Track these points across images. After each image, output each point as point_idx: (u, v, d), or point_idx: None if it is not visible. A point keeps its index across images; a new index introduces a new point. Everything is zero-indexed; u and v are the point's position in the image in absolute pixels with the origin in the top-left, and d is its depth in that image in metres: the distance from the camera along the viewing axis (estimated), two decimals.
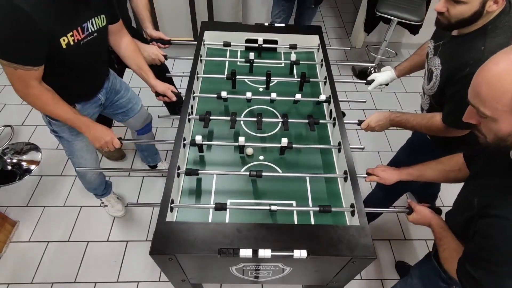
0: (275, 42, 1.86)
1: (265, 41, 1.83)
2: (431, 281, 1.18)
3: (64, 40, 1.13)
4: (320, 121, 1.52)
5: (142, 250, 1.95)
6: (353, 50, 3.56)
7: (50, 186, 2.21)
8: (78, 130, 1.45)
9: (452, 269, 0.93)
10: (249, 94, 1.47)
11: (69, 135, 1.46)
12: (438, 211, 1.19)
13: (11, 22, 0.99)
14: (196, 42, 1.76)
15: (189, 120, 1.41)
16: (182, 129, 1.31)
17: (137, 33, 1.82)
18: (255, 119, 1.41)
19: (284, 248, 0.99)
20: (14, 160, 2.31)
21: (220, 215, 1.19)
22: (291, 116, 1.55)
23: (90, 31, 1.23)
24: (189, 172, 1.18)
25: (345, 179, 1.23)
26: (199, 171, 1.22)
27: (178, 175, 1.20)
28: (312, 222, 1.20)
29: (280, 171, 1.34)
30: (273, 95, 1.47)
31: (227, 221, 1.18)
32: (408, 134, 2.73)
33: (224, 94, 1.48)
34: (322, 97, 1.50)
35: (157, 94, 1.57)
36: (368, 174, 1.31)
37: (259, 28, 1.86)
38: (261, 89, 1.68)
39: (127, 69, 1.92)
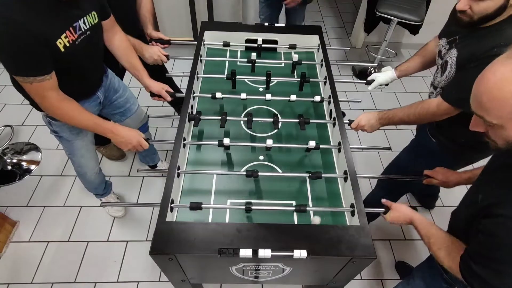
0: (275, 42, 1.86)
1: (265, 41, 1.83)
2: (434, 282, 1.17)
3: (60, 43, 1.13)
4: (320, 121, 1.53)
5: (142, 250, 1.95)
6: (353, 50, 3.56)
7: (50, 186, 2.21)
8: (78, 130, 1.45)
9: (453, 267, 0.92)
10: (244, 95, 1.47)
11: (69, 135, 1.46)
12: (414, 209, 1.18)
13: (11, 36, 0.99)
14: (196, 42, 1.76)
15: (188, 120, 1.41)
16: (182, 129, 1.31)
17: (142, 34, 1.83)
18: (245, 118, 1.42)
19: (284, 248, 0.99)
20: (14, 160, 2.31)
21: (220, 215, 1.19)
22: (290, 116, 1.56)
23: (82, 30, 1.22)
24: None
25: (345, 179, 1.24)
26: (197, 172, 1.22)
27: (178, 175, 1.20)
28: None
29: (280, 171, 1.34)
30: (268, 96, 1.47)
31: (227, 221, 1.18)
32: (408, 134, 2.74)
33: (218, 95, 1.47)
34: (317, 98, 1.50)
35: (152, 94, 1.56)
36: (427, 176, 1.31)
37: (259, 28, 1.86)
38: (261, 89, 1.69)
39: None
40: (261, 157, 1.39)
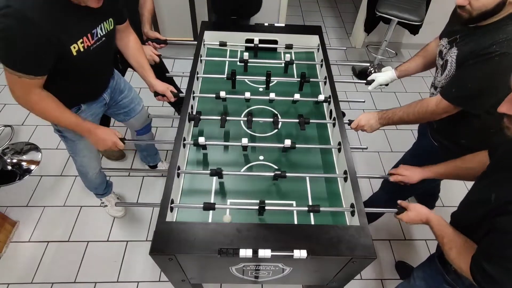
0: (275, 42, 1.86)
1: (265, 41, 1.83)
2: (435, 283, 1.17)
3: (74, 48, 1.14)
4: (320, 121, 1.53)
5: (142, 250, 1.95)
6: (353, 50, 3.56)
7: (50, 186, 2.21)
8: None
9: (463, 267, 0.91)
10: (247, 94, 1.47)
11: (73, 135, 1.46)
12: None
13: (21, 33, 0.99)
14: (196, 42, 1.76)
15: (188, 120, 1.41)
16: (182, 129, 1.31)
17: (141, 36, 1.83)
18: (245, 118, 1.42)
19: (284, 248, 0.99)
20: (14, 160, 2.31)
21: (220, 215, 1.19)
22: (290, 116, 1.56)
23: (99, 36, 1.24)
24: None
25: (345, 179, 1.23)
26: (197, 172, 1.22)
27: (178, 175, 1.20)
28: (312, 222, 1.20)
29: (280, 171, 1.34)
30: (272, 95, 1.48)
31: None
32: (408, 134, 2.73)
33: (223, 94, 1.48)
34: (321, 97, 1.51)
35: (156, 94, 1.57)
36: (390, 174, 1.32)
37: (259, 28, 1.86)
38: (261, 89, 1.69)
39: (128, 69, 1.93)
40: (261, 157, 1.39)
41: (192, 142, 1.31)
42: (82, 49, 1.17)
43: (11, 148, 2.38)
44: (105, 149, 1.40)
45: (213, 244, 0.98)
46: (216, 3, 2.20)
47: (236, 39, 1.82)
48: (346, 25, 3.89)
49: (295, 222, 1.19)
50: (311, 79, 1.62)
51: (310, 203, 1.25)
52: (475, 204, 0.96)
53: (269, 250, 0.97)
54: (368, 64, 3.26)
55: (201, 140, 1.28)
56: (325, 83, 1.63)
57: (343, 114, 1.44)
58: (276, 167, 1.36)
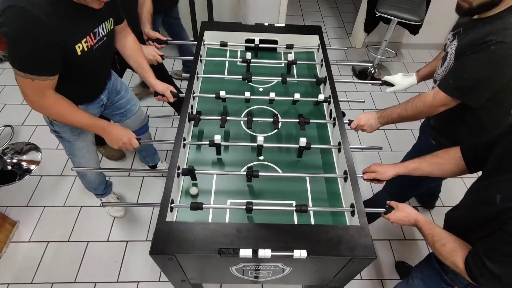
0: (275, 42, 1.86)
1: (265, 41, 1.83)
2: (433, 283, 1.17)
3: (79, 47, 1.14)
4: (320, 121, 1.53)
5: (142, 250, 1.95)
6: (353, 50, 3.56)
7: (50, 186, 2.21)
8: (80, 130, 1.45)
9: (458, 262, 0.91)
10: (247, 94, 1.48)
11: (70, 136, 1.46)
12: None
13: (28, 33, 0.99)
14: (196, 42, 1.76)
15: (188, 120, 1.41)
16: (182, 129, 1.31)
17: (141, 36, 1.83)
18: (245, 118, 1.42)
19: (284, 248, 0.99)
20: (14, 160, 2.31)
21: (220, 215, 1.19)
22: (290, 116, 1.56)
23: (101, 35, 1.24)
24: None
25: (345, 179, 1.23)
26: (197, 172, 1.22)
27: (178, 175, 1.20)
28: (312, 222, 1.20)
29: (280, 171, 1.34)
30: (272, 95, 1.48)
31: (227, 221, 1.18)
32: (408, 134, 2.74)
33: (223, 94, 1.48)
34: (321, 96, 1.51)
35: (156, 94, 1.57)
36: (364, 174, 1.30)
37: (259, 28, 1.85)
38: (261, 89, 1.69)
39: (127, 70, 1.93)
40: (261, 157, 1.39)
41: (201, 142, 1.32)
42: (86, 49, 1.17)
43: (11, 148, 2.38)
44: (120, 147, 1.39)
45: (213, 244, 0.98)
46: None
47: (236, 39, 1.82)
48: (346, 25, 3.89)
49: (295, 222, 1.19)
50: (310, 79, 1.62)
51: (310, 203, 1.25)
52: (478, 205, 0.96)
53: (269, 250, 0.97)
54: (368, 64, 3.26)
55: (217, 138, 1.28)
56: (324, 83, 1.63)
57: (343, 114, 1.44)
58: (276, 167, 1.36)
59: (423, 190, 1.76)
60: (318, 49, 1.83)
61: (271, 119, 1.43)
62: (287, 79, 1.66)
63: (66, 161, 2.33)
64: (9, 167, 2.28)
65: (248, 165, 1.35)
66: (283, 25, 1.89)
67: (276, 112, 1.57)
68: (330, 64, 1.67)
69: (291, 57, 1.72)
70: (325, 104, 1.62)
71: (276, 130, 1.50)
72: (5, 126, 2.45)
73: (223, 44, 1.78)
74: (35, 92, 1.12)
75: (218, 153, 1.36)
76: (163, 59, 1.77)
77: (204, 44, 1.79)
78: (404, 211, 1.12)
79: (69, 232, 2.00)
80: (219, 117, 1.40)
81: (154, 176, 2.31)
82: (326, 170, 1.37)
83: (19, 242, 1.95)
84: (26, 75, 1.06)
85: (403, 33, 3.38)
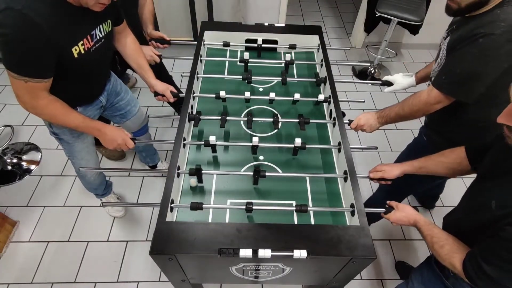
0: (275, 42, 1.86)
1: (265, 41, 1.83)
2: (434, 286, 1.16)
3: (76, 50, 1.14)
4: (320, 121, 1.53)
5: (142, 250, 1.95)
6: (353, 50, 3.56)
7: (50, 186, 2.21)
8: (79, 132, 1.45)
9: (456, 264, 0.92)
10: (247, 94, 1.47)
11: (69, 137, 1.46)
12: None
13: (24, 35, 0.99)
14: (196, 42, 1.76)
15: (188, 120, 1.41)
16: (182, 129, 1.31)
17: (141, 35, 1.83)
18: (245, 118, 1.42)
19: (284, 248, 0.99)
20: (14, 160, 2.31)
21: (220, 215, 1.19)
22: (291, 116, 1.56)
23: (98, 37, 1.24)
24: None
25: (345, 179, 1.23)
26: (202, 171, 1.22)
27: (178, 175, 1.20)
28: (312, 222, 1.20)
29: (280, 171, 1.34)
30: (272, 95, 1.48)
31: (227, 221, 1.18)
32: (408, 134, 2.74)
33: (223, 94, 1.48)
34: (321, 96, 1.51)
35: (156, 94, 1.57)
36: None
37: (259, 28, 1.85)
38: (261, 89, 1.69)
39: (127, 70, 1.93)
40: (261, 157, 1.39)
41: (203, 142, 1.31)
42: (83, 51, 1.17)
43: (11, 148, 2.38)
44: (115, 148, 1.40)
45: (213, 244, 0.98)
46: None
47: (236, 39, 1.82)
48: (346, 25, 3.89)
49: (295, 222, 1.19)
50: (309, 79, 1.62)
51: (310, 203, 1.25)
52: (474, 210, 0.96)
53: (269, 250, 0.97)
54: (368, 64, 3.26)
55: (212, 138, 1.28)
56: (324, 83, 1.63)
57: (343, 114, 1.44)
58: (276, 167, 1.36)
59: (421, 190, 1.76)
60: (318, 49, 1.83)
61: (271, 119, 1.43)
62: (287, 79, 1.66)
63: (66, 161, 2.33)
64: (9, 167, 2.28)
65: (249, 165, 1.35)
66: (283, 25, 1.89)
67: (276, 112, 1.57)
68: (330, 64, 1.67)
69: (288, 56, 1.72)
70: (325, 104, 1.62)
71: (276, 130, 1.50)
72: (5, 126, 2.45)
73: (226, 44, 1.78)
74: (27, 93, 1.11)
75: (214, 151, 1.36)
76: (160, 59, 1.77)
77: (204, 44, 1.79)
78: (404, 211, 1.13)
79: (69, 232, 2.00)
80: (219, 117, 1.40)
81: (154, 176, 2.31)
82: (326, 170, 1.37)
83: (19, 242, 1.95)
84: (19, 77, 1.05)
85: (403, 33, 3.38)
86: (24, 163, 2.32)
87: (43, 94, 1.14)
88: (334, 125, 1.43)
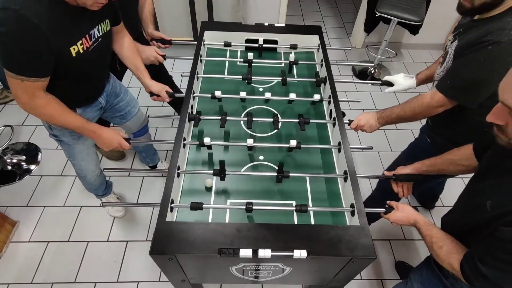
0: (275, 42, 1.86)
1: (265, 41, 1.83)
2: (433, 286, 1.17)
3: (74, 49, 1.14)
4: (320, 121, 1.52)
5: (142, 250, 1.95)
6: (353, 50, 3.56)
7: (50, 186, 2.21)
8: (79, 134, 1.45)
9: (454, 264, 0.92)
10: (243, 94, 1.48)
11: (69, 139, 1.46)
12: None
13: (20, 34, 0.99)
14: (196, 42, 1.76)
15: (188, 120, 1.41)
16: (182, 129, 1.31)
17: (143, 37, 1.83)
18: (245, 118, 1.42)
19: (284, 248, 0.99)
20: (14, 160, 2.31)
21: (220, 215, 1.19)
22: (291, 116, 1.56)
23: (96, 37, 1.24)
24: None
25: (345, 179, 1.23)
26: (196, 171, 1.22)
27: (178, 175, 1.20)
28: (312, 222, 1.20)
29: None
30: (267, 95, 1.48)
31: (227, 221, 1.18)
32: (408, 134, 2.74)
33: (218, 93, 1.47)
34: (317, 96, 1.50)
35: (151, 94, 1.58)
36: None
37: (259, 28, 1.85)
38: (261, 89, 1.69)
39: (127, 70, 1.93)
40: (261, 157, 1.39)
41: (198, 142, 1.31)
42: (81, 51, 1.17)
43: (11, 148, 2.38)
44: (111, 149, 1.41)
45: (213, 244, 0.98)
46: None
47: (236, 39, 1.82)
48: (346, 25, 3.89)
49: (295, 222, 1.19)
50: (309, 79, 1.62)
51: (310, 203, 1.25)
52: (470, 210, 0.96)
53: (269, 250, 0.97)
54: (368, 64, 3.26)
55: (207, 140, 1.28)
56: (324, 83, 1.63)
57: (343, 114, 1.44)
58: (276, 167, 1.36)
59: (421, 188, 1.76)
60: (318, 49, 1.83)
61: (271, 119, 1.43)
62: (287, 79, 1.66)
63: (66, 161, 2.33)
64: (9, 167, 2.28)
65: (249, 165, 1.35)
66: (283, 25, 1.89)
67: (276, 112, 1.57)
68: (330, 64, 1.67)
69: (292, 57, 1.72)
70: (325, 104, 1.62)
71: (276, 130, 1.50)
72: (5, 126, 2.45)
73: (227, 44, 1.78)
74: (25, 93, 1.11)
75: (209, 147, 1.36)
76: (164, 59, 1.77)
77: (204, 44, 1.79)
78: (404, 211, 1.13)
79: (69, 232, 2.00)
80: (219, 117, 1.40)
81: (154, 176, 2.31)
82: (326, 170, 1.37)
83: (19, 242, 1.95)
84: (16, 76, 1.06)
85: (403, 33, 3.38)
86: (24, 163, 2.32)
87: (40, 93, 1.14)
88: (334, 125, 1.43)
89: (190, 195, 1.26)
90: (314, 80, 1.66)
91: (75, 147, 1.51)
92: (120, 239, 2.00)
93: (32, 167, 2.30)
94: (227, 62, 1.80)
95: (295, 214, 1.21)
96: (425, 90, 1.35)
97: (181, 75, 1.70)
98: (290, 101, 1.54)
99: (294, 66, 1.78)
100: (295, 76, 1.77)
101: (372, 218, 1.89)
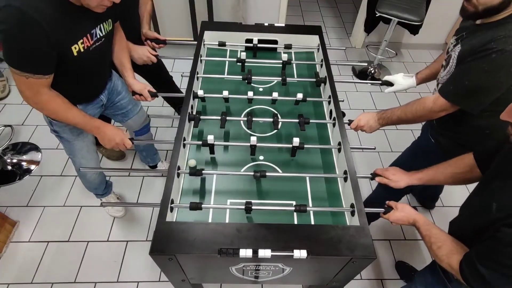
0: (275, 42, 1.86)
1: (265, 41, 1.83)
2: None
3: (75, 48, 1.15)
4: (320, 121, 1.52)
5: (142, 250, 1.95)
6: (353, 50, 3.56)
7: (50, 186, 2.21)
8: (79, 130, 1.46)
9: (454, 265, 0.92)
10: (250, 94, 1.48)
11: (70, 136, 1.46)
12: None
13: (23, 32, 1.00)
14: (196, 42, 1.76)
15: (188, 120, 1.41)
16: (182, 129, 1.31)
17: (139, 36, 1.83)
18: (245, 118, 1.42)
19: (284, 248, 0.99)
20: (14, 160, 2.31)
21: (220, 215, 1.19)
22: (291, 116, 1.56)
23: (98, 36, 1.24)
24: (193, 173, 1.17)
25: (345, 179, 1.23)
26: (202, 171, 1.22)
27: (178, 175, 1.20)
28: (312, 222, 1.20)
29: (280, 171, 1.34)
30: (275, 95, 1.48)
31: (227, 221, 1.18)
32: (408, 134, 2.74)
33: (225, 93, 1.48)
34: (300, 95, 1.49)
35: (133, 93, 1.57)
36: (376, 174, 1.29)
37: (259, 28, 1.85)
38: (261, 89, 1.69)
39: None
40: (261, 157, 1.39)
41: (198, 142, 1.31)
42: (82, 50, 1.18)
43: (11, 148, 2.38)
44: (112, 147, 1.40)
45: (213, 244, 0.98)
46: None
47: (236, 39, 1.82)
48: (346, 25, 3.89)
49: (295, 222, 1.19)
50: (309, 79, 1.62)
51: (310, 203, 1.25)
52: (476, 213, 0.96)
53: (269, 250, 0.97)
54: (369, 64, 3.26)
55: (210, 137, 1.28)
56: (324, 83, 1.63)
57: (343, 114, 1.44)
58: (276, 167, 1.36)
59: (420, 188, 1.76)
60: (318, 49, 1.83)
61: (271, 119, 1.43)
62: (287, 79, 1.66)
63: (66, 161, 2.33)
64: (9, 167, 2.28)
65: (249, 165, 1.35)
66: (283, 25, 1.89)
67: (276, 112, 1.57)
68: (330, 64, 1.67)
69: (285, 56, 1.71)
70: (325, 104, 1.62)
71: (276, 131, 1.50)
72: (5, 126, 2.45)
73: (222, 44, 1.78)
74: (29, 89, 1.13)
75: (212, 152, 1.37)
76: (158, 59, 1.77)
77: (204, 44, 1.79)
78: (404, 211, 1.13)
79: (69, 232, 2.00)
80: (219, 117, 1.41)
81: (154, 176, 2.31)
82: (326, 170, 1.37)
83: (19, 242, 1.95)
84: (20, 73, 1.07)
85: (403, 33, 3.38)
86: (24, 163, 2.32)
87: (44, 90, 1.15)
88: (334, 125, 1.43)
89: (190, 195, 1.26)
90: (314, 80, 1.66)
91: (75, 144, 1.51)
92: (120, 239, 2.00)
93: (32, 167, 2.30)
94: (227, 62, 1.80)
95: (295, 214, 1.21)
96: (425, 90, 1.35)
97: (181, 75, 1.70)
98: (297, 102, 1.53)
99: (293, 65, 1.78)
100: (295, 76, 1.76)
101: (371, 217, 1.89)
